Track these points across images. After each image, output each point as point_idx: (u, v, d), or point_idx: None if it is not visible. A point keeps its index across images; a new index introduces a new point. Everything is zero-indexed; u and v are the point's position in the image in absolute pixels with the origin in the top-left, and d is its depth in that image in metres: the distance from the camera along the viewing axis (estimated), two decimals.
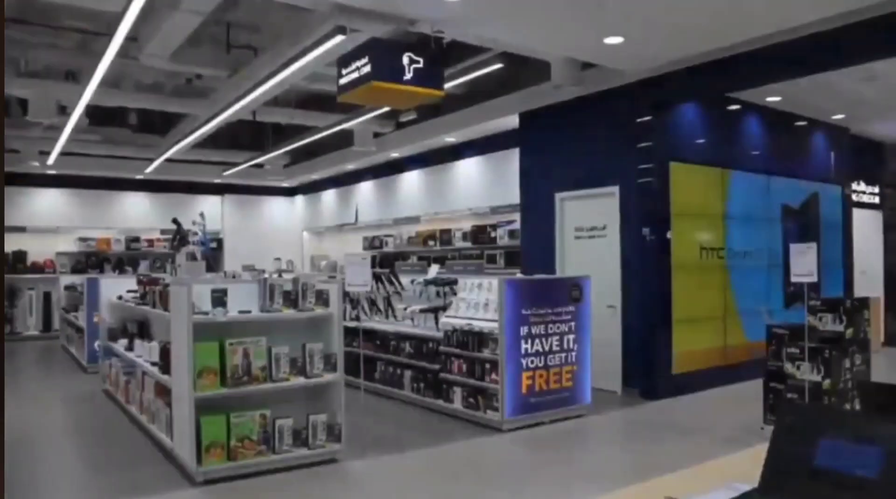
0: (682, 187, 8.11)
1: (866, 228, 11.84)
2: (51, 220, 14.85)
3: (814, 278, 5.76)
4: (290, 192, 17.74)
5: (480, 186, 11.33)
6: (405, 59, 5.83)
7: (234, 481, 4.99)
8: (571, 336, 6.86)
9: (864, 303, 6.46)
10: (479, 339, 6.69)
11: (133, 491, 4.93)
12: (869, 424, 1.41)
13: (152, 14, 6.49)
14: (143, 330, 7.18)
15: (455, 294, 7.43)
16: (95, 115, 11.15)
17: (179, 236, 10.07)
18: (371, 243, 13.92)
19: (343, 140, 11.96)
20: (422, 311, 7.80)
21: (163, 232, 15.52)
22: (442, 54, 6.20)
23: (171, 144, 12.06)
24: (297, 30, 6.86)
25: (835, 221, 10.52)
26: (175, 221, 10.22)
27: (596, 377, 7.22)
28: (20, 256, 14.50)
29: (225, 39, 8.09)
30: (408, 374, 7.68)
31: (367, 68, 5.79)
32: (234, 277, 7.85)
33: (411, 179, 13.11)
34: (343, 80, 6.13)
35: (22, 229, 14.33)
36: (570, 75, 7.44)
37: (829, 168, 10.51)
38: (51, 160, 12.78)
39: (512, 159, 9.93)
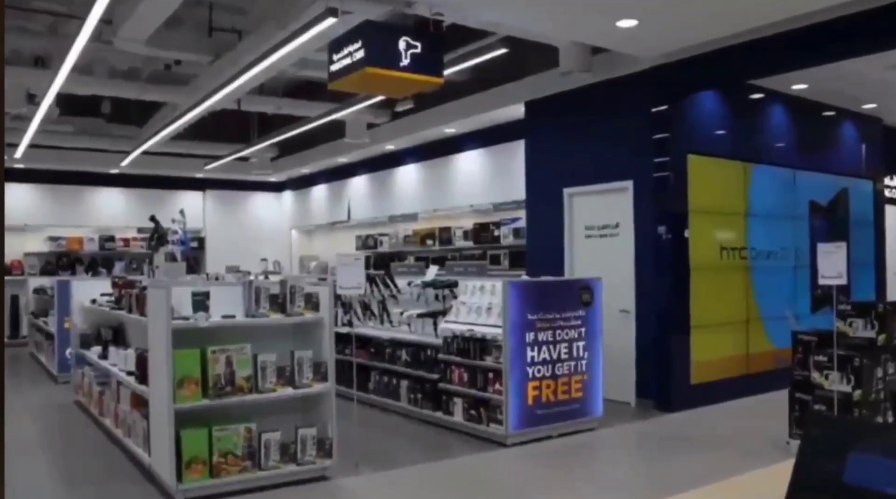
0: (701, 182, 8.11)
1: None
2: (18, 217, 14.80)
3: (843, 280, 5.75)
4: (277, 187, 17.75)
5: (483, 181, 11.33)
6: (401, 44, 5.83)
7: None
8: (581, 343, 6.86)
9: None
10: (482, 346, 6.68)
11: None
12: None
13: None
14: (118, 337, 7.19)
15: (455, 297, 7.44)
16: (67, 104, 11.16)
17: (158, 235, 10.08)
18: (365, 243, 13.94)
19: (334, 131, 11.97)
20: (419, 315, 7.80)
21: (140, 231, 15.53)
22: (441, 39, 6.20)
23: (149, 136, 12.07)
24: (285, 12, 6.86)
25: (866, 218, 10.52)
26: (153, 218, 10.22)
27: (608, 387, 7.22)
28: None
29: (207, 22, 8.10)
30: (404, 384, 7.68)
31: (361, 53, 5.79)
32: (216, 279, 7.87)
33: (408, 174, 13.12)
34: (334, 67, 6.13)
35: None
36: (579, 61, 7.44)
37: (860, 162, 10.51)
38: (18, 153, 12.79)
39: (517, 152, 9.93)
